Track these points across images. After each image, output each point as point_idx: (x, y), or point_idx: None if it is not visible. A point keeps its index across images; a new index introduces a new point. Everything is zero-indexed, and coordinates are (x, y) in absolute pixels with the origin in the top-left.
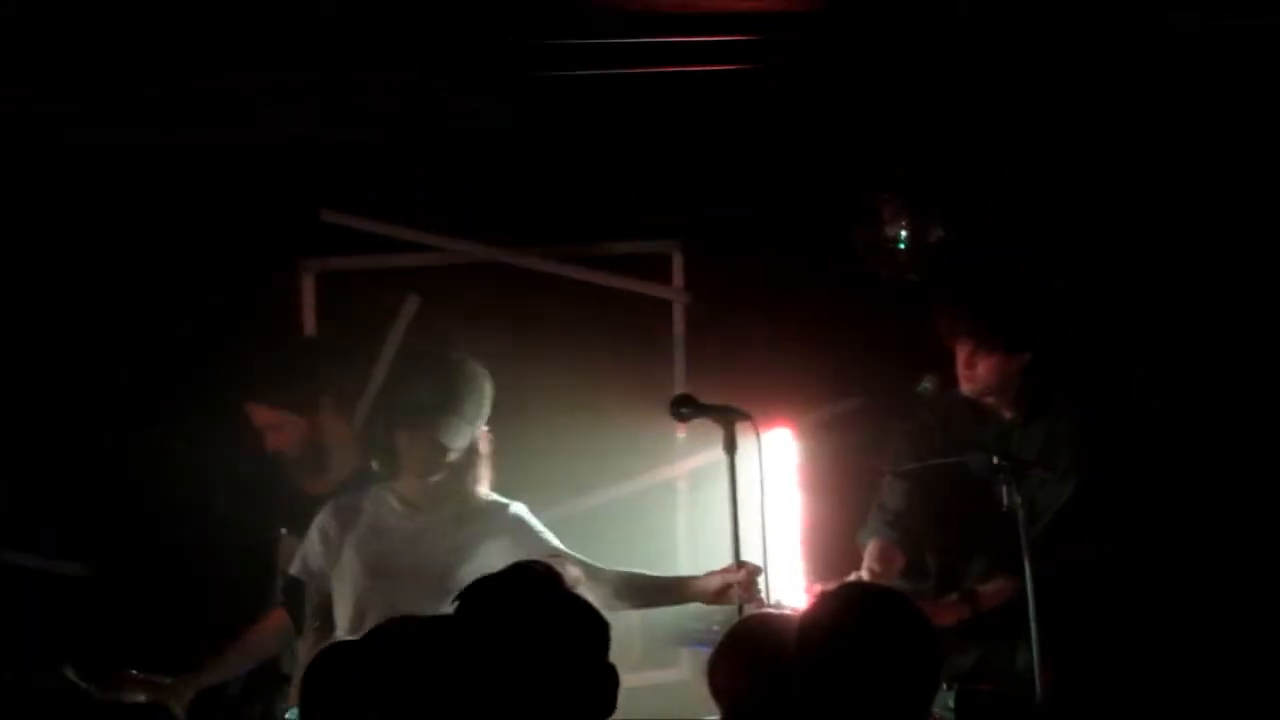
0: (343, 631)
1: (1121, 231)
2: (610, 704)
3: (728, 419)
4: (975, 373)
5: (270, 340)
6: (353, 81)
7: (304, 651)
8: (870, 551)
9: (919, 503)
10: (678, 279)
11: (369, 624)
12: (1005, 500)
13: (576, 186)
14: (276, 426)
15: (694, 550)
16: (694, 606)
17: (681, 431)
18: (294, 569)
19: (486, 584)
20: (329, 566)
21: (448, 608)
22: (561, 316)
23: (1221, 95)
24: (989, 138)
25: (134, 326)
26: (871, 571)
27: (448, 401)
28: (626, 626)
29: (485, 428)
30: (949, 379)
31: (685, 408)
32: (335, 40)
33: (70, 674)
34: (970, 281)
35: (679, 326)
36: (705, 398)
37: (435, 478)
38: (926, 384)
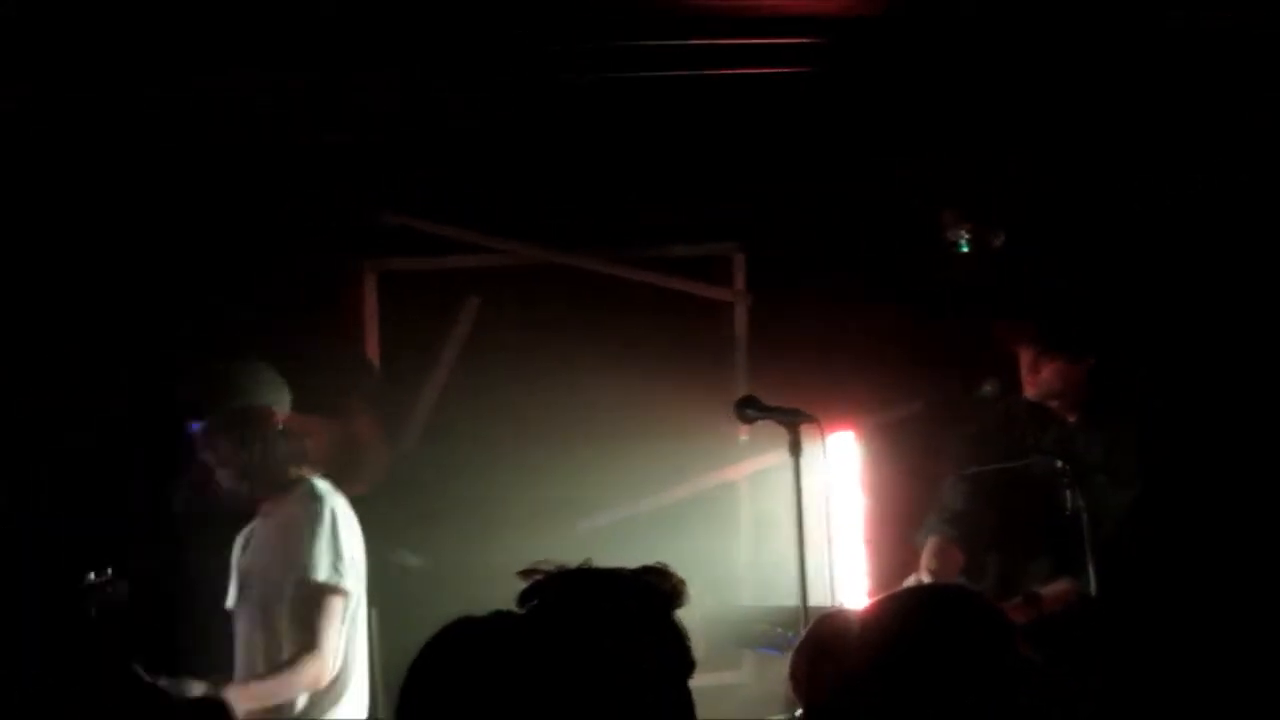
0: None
1: (1176, 238)
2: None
3: (793, 421)
4: (1040, 377)
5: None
6: (424, 83)
7: None
8: (929, 549)
9: (981, 505)
10: (739, 281)
11: (239, 640)
12: (1068, 504)
13: (639, 189)
14: (309, 435)
15: (756, 550)
16: (757, 610)
17: (744, 433)
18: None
19: (554, 587)
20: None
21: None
22: (624, 318)
23: (1226, 94)
24: (1036, 140)
25: (195, 331)
26: (929, 569)
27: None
28: (689, 625)
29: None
30: (1010, 384)
31: (750, 409)
32: (415, 39)
33: (140, 671)
34: (1033, 289)
35: (741, 328)
36: (765, 399)
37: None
38: (987, 388)
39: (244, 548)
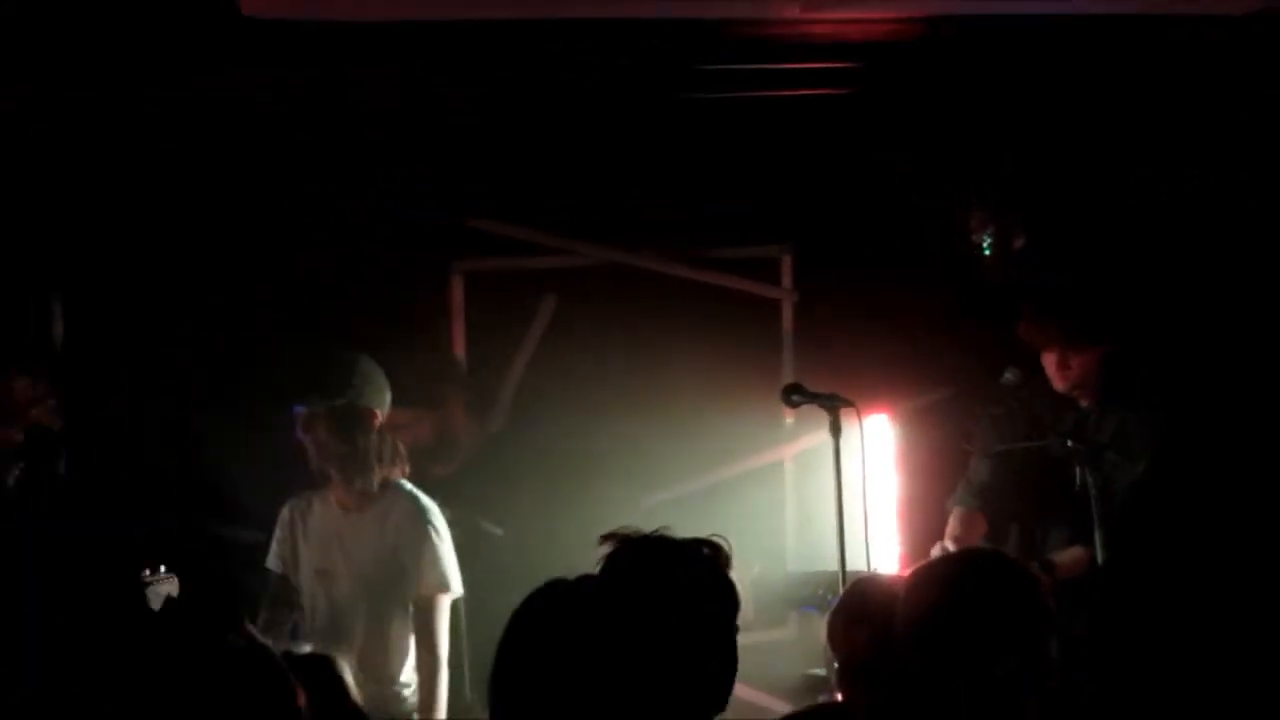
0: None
1: (1178, 232)
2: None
3: (833, 406)
4: (1069, 373)
5: (408, 351)
6: (508, 102)
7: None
8: (955, 518)
9: (1003, 480)
10: (786, 280)
11: (317, 619)
12: (1079, 480)
13: (698, 197)
14: (410, 425)
15: (800, 524)
16: (801, 575)
17: (790, 416)
18: (269, 562)
19: (625, 555)
20: (289, 560)
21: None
22: (683, 314)
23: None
24: (1051, 150)
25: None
26: (954, 536)
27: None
28: (740, 589)
29: (379, 411)
30: (1029, 370)
31: (795, 395)
32: (503, 66)
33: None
34: (1052, 288)
35: (788, 323)
36: (809, 387)
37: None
38: (1009, 375)
39: (320, 536)
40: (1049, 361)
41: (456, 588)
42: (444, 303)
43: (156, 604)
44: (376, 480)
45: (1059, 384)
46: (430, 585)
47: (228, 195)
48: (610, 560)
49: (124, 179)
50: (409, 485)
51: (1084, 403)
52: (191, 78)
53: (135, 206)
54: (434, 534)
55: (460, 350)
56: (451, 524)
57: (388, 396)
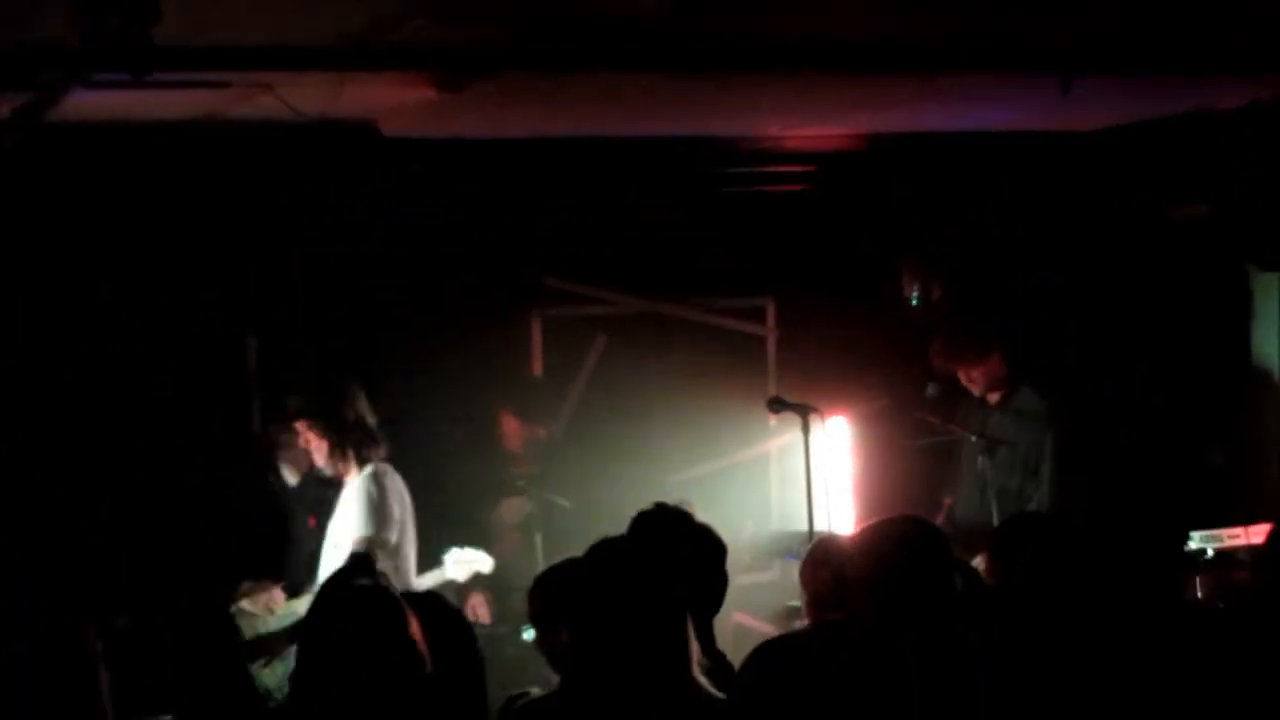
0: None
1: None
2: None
3: (804, 412)
4: (975, 384)
5: (524, 379)
6: (576, 195)
7: None
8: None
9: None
10: (770, 322)
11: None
12: (979, 465)
13: (705, 263)
14: (518, 432)
15: (781, 496)
16: (783, 533)
17: (773, 420)
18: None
19: (648, 517)
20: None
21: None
22: (695, 346)
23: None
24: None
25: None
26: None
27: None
28: (738, 543)
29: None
30: (950, 386)
31: (777, 404)
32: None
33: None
34: (947, 333)
35: (771, 353)
36: (787, 398)
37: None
38: (930, 389)
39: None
40: (961, 376)
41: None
42: (527, 340)
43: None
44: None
45: (974, 389)
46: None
47: (392, 278)
48: (635, 522)
49: (307, 263)
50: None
51: (991, 400)
52: (353, 180)
53: (322, 290)
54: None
55: (539, 374)
56: (531, 499)
57: None
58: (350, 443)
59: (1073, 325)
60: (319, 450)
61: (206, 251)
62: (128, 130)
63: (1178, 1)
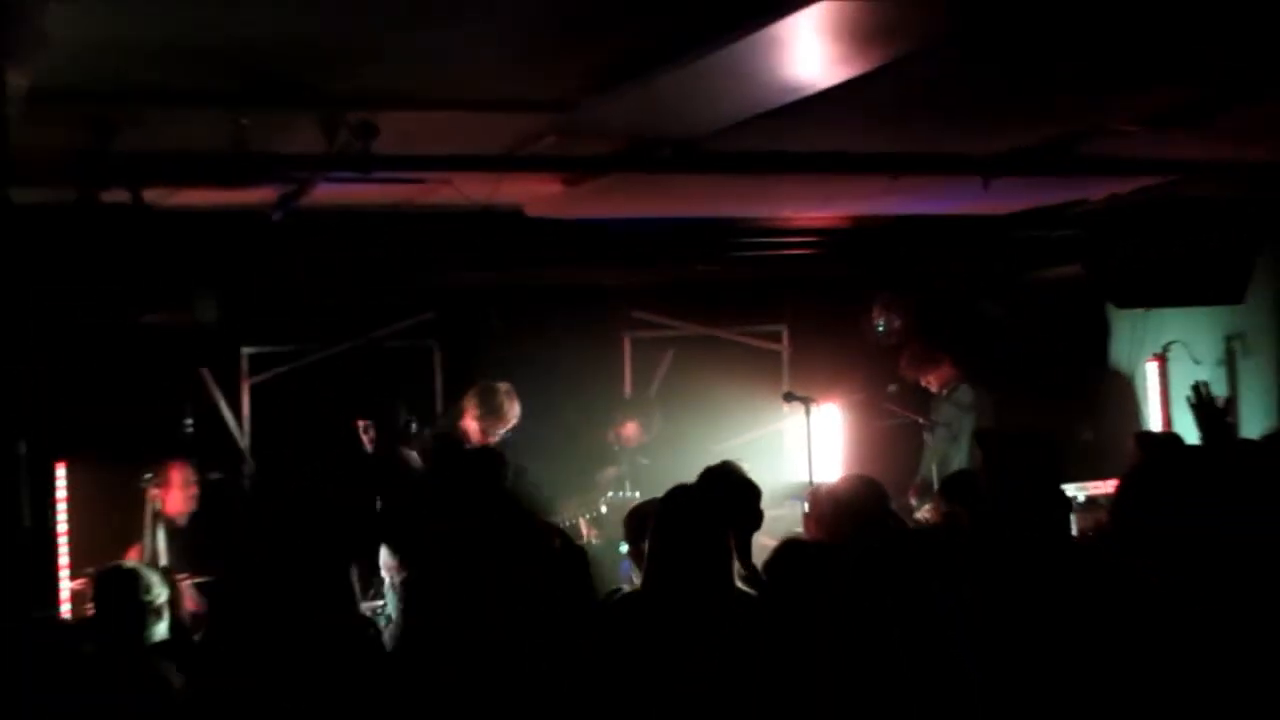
0: None
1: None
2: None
3: (806, 401)
4: (929, 384)
5: (643, 400)
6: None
7: None
8: None
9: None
10: (785, 341)
11: None
12: (928, 444)
13: (738, 304)
14: (637, 433)
15: (791, 459)
16: (793, 484)
17: (785, 407)
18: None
19: (713, 470)
20: None
21: None
22: (735, 359)
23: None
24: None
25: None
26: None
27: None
28: (766, 492)
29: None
30: (906, 386)
31: (788, 396)
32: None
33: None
34: (911, 349)
35: (785, 362)
36: (796, 392)
37: None
38: (892, 388)
39: None
40: (921, 378)
41: None
42: (621, 353)
43: None
44: None
45: (931, 389)
46: None
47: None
48: (703, 473)
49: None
50: None
51: (943, 393)
52: (507, 247)
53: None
54: None
55: (629, 383)
56: (624, 462)
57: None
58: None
59: (994, 344)
60: (475, 435)
61: (405, 293)
62: (355, 211)
63: (1058, 135)
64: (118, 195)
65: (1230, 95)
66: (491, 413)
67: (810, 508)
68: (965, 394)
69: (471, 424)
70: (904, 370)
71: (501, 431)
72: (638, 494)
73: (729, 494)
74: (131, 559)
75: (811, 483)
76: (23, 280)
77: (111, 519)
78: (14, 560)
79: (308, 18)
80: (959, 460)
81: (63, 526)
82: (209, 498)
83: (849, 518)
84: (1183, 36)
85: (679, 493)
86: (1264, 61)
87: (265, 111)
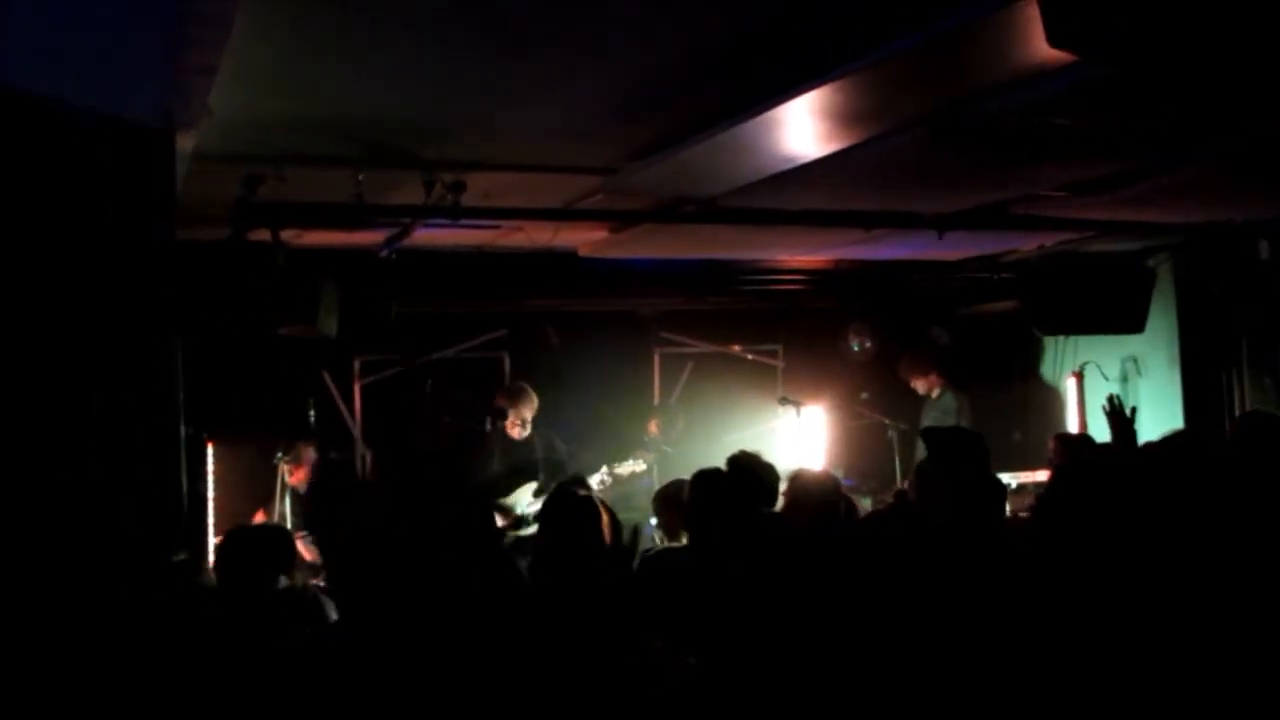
0: None
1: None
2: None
3: (796, 404)
4: (921, 387)
5: (667, 405)
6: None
7: None
8: None
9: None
10: (780, 358)
11: None
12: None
13: (744, 329)
14: (658, 429)
15: (784, 451)
16: (785, 469)
17: (780, 409)
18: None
19: (739, 455)
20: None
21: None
22: (742, 372)
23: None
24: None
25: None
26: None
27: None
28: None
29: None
30: (874, 393)
31: (782, 400)
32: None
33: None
34: (907, 359)
35: (780, 375)
36: (790, 397)
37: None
38: (863, 395)
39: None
40: (913, 383)
41: None
42: (651, 366)
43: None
44: None
45: (921, 392)
46: None
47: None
48: (730, 459)
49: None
50: None
51: (932, 396)
52: (564, 283)
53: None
54: None
55: (657, 389)
56: (652, 450)
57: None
58: (536, 425)
59: (947, 366)
60: (517, 426)
61: (482, 315)
62: (446, 251)
63: (999, 199)
64: (261, 235)
65: (1132, 173)
66: (513, 396)
67: (787, 486)
68: (950, 399)
69: (505, 408)
70: (901, 373)
71: (528, 415)
72: (650, 469)
73: (752, 472)
74: (259, 519)
75: (800, 469)
76: (185, 301)
77: (248, 487)
78: (175, 516)
79: (415, 101)
80: None
81: (211, 492)
82: (326, 473)
83: (809, 499)
84: (1101, 134)
85: (702, 474)
86: (1156, 151)
87: (378, 171)
